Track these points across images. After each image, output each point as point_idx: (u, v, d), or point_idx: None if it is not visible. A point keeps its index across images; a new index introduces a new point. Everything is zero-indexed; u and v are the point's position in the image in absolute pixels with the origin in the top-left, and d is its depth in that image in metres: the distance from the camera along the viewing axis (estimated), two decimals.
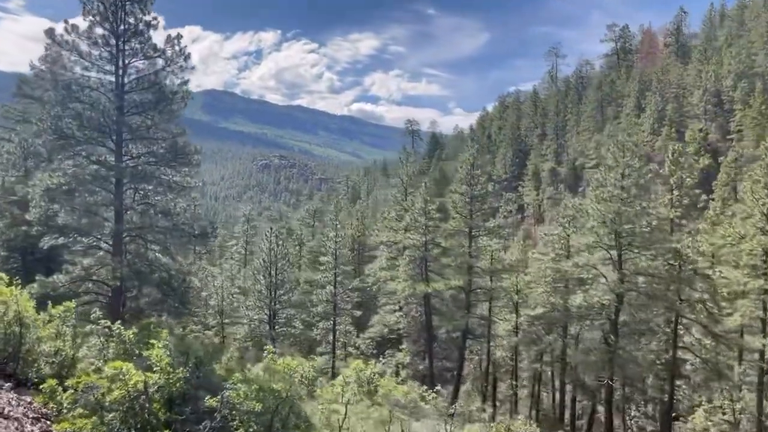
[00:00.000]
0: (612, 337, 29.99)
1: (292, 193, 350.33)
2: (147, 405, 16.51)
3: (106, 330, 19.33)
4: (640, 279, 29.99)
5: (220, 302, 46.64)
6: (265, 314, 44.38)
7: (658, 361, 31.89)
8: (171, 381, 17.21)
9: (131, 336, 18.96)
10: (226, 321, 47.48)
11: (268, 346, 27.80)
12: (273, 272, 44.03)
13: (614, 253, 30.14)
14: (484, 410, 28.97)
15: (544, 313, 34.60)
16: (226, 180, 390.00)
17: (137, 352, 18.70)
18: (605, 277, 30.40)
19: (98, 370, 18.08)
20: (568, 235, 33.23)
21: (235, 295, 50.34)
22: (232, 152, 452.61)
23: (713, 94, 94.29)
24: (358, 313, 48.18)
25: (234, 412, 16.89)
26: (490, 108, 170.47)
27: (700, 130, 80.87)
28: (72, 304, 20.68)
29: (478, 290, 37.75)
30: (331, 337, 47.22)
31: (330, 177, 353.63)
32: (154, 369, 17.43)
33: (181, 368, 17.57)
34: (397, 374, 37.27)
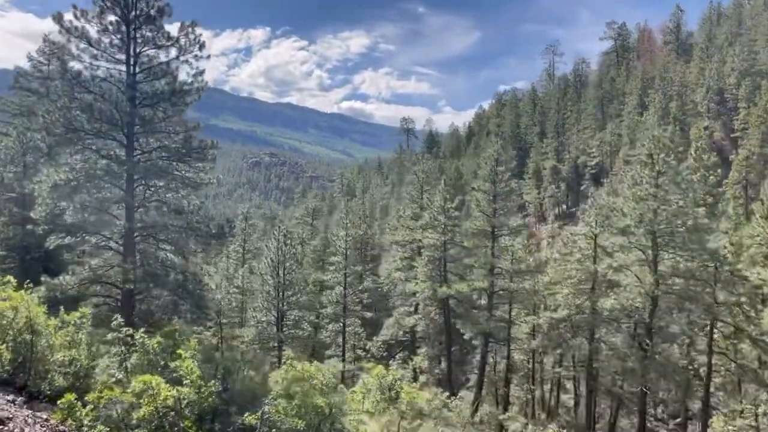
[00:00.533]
0: (647, 341, 28.72)
1: (282, 191, 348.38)
2: (179, 422, 15.02)
3: (128, 338, 17.81)
4: (676, 281, 28.74)
5: (218, 302, 45.11)
6: (273, 316, 42.88)
7: (690, 366, 30.77)
8: (203, 395, 15.73)
9: (155, 345, 17.42)
10: (224, 321, 45.94)
11: (286, 351, 26.33)
12: (281, 273, 42.55)
13: (650, 253, 28.89)
14: (512, 418, 27.65)
15: (568, 316, 33.30)
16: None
17: (162, 362, 17.18)
18: (639, 279, 29.12)
19: (119, 383, 16.59)
20: (596, 235, 31.89)
21: (233, 295, 48.85)
22: (221, 150, 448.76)
23: (716, 92, 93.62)
24: (369, 314, 46.78)
25: (274, 430, 15.44)
26: (486, 106, 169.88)
27: (705, 128, 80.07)
28: (88, 309, 19.15)
29: (501, 292, 36.42)
30: (340, 340, 45.77)
31: (321, 175, 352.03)
32: (184, 382, 15.95)
33: (213, 381, 16.11)
34: (415, 379, 35.94)
